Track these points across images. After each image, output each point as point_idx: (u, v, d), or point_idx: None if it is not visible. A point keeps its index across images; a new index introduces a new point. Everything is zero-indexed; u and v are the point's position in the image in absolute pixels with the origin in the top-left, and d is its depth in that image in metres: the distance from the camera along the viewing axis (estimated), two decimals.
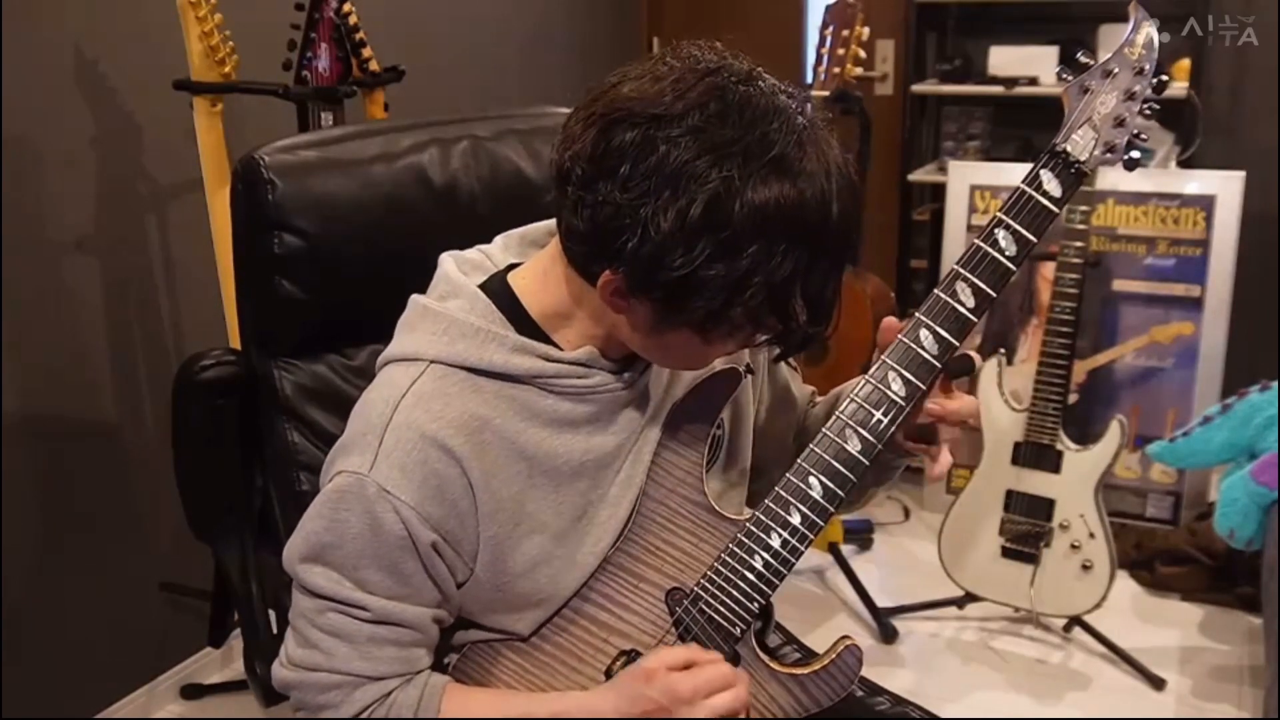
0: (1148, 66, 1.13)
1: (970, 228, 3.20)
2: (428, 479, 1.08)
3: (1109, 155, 1.14)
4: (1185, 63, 3.49)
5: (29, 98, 2.14)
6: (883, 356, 1.15)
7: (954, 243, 3.22)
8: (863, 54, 2.66)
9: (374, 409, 1.11)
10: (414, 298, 1.18)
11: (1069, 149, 1.13)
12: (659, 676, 1.12)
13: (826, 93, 2.63)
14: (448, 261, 1.19)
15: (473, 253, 1.21)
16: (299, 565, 1.12)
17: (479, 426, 1.11)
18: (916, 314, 1.15)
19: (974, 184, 3.22)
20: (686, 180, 0.98)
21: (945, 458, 1.21)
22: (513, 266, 1.19)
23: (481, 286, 1.16)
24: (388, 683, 1.14)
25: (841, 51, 2.64)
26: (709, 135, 0.98)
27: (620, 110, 1.01)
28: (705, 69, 1.02)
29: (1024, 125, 3.91)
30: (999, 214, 1.13)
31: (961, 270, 1.13)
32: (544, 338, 1.14)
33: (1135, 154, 1.14)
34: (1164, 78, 1.15)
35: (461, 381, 1.11)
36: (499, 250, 1.22)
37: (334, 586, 1.11)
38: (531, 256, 1.19)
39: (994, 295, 1.13)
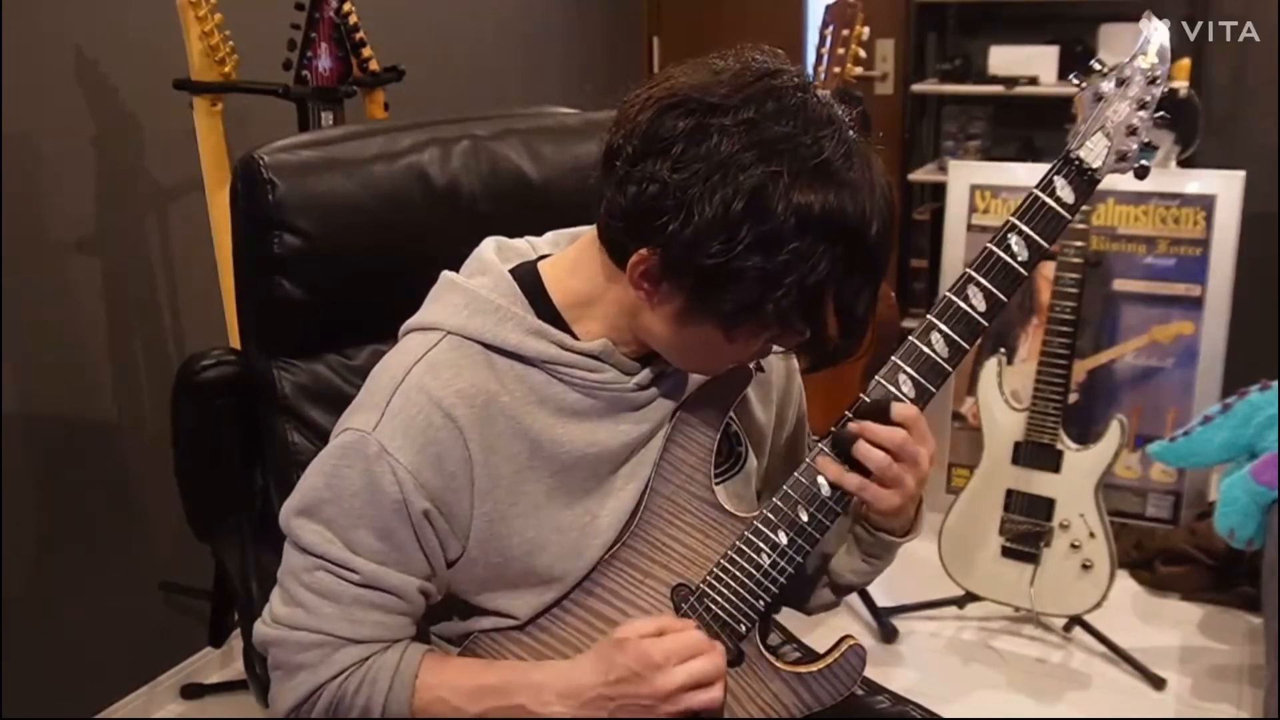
0: (1160, 75, 1.14)
1: (970, 227, 3.20)
2: (428, 445, 1.09)
3: (1121, 163, 1.14)
4: (1185, 62, 3.48)
5: (29, 98, 2.14)
6: (893, 357, 1.15)
7: (954, 242, 3.22)
8: (863, 54, 2.66)
9: (387, 372, 1.13)
10: (444, 272, 1.20)
11: (1083, 156, 1.13)
12: (630, 644, 1.11)
13: (826, 93, 2.63)
14: (488, 243, 1.21)
15: (520, 241, 1.23)
16: (294, 519, 1.13)
17: (486, 401, 1.12)
18: (928, 315, 1.15)
19: (974, 184, 3.21)
20: (734, 170, 0.99)
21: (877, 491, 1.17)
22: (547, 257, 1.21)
23: (512, 270, 1.17)
24: (369, 647, 1.14)
25: (841, 51, 2.64)
26: (761, 130, 1.00)
27: (677, 96, 1.03)
28: (764, 70, 1.04)
29: (1024, 125, 3.91)
30: (1012, 218, 1.13)
31: (973, 273, 1.14)
32: (564, 326, 1.15)
33: (1145, 162, 1.15)
34: (1171, 86, 1.15)
35: (475, 355, 1.13)
36: (545, 242, 1.24)
37: (325, 545, 1.11)
38: None
39: (1005, 299, 1.14)
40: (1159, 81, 1.14)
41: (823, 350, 1.10)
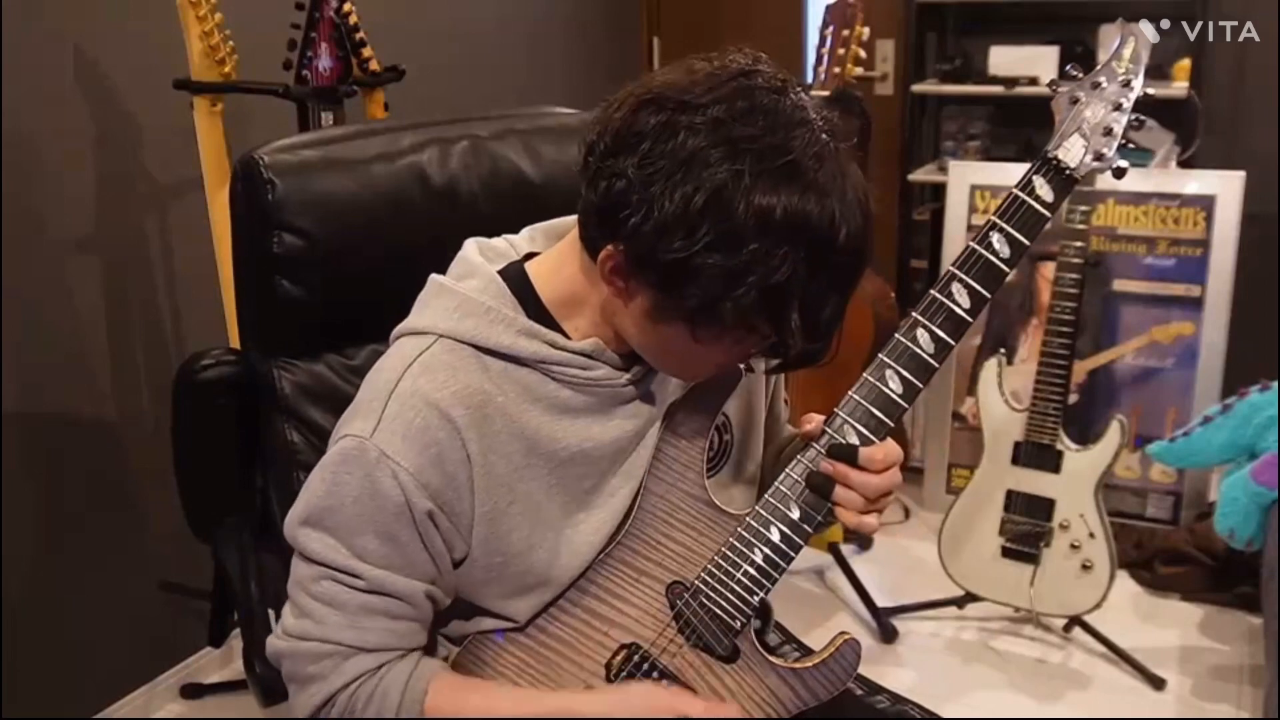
0: (1134, 80, 1.17)
1: (970, 228, 3.20)
2: (428, 446, 1.10)
3: (1098, 163, 1.17)
4: (1185, 63, 3.49)
5: (29, 98, 2.14)
6: (880, 355, 1.16)
7: (954, 242, 3.22)
8: (863, 54, 2.66)
9: (381, 377, 1.14)
10: (432, 276, 1.20)
11: (1060, 156, 1.16)
12: (660, 697, 1.15)
13: (826, 93, 2.64)
14: (470, 245, 1.22)
15: (499, 241, 1.24)
16: (299, 529, 1.14)
17: (481, 401, 1.12)
18: (913, 314, 1.16)
19: (974, 184, 3.22)
20: (698, 167, 1.00)
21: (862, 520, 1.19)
22: (533, 256, 1.21)
23: (500, 272, 1.17)
24: (379, 655, 1.15)
25: (841, 51, 2.64)
26: (728, 129, 1.00)
27: (652, 94, 1.04)
28: (740, 70, 1.04)
29: (1024, 125, 3.92)
30: (992, 217, 1.17)
31: (957, 271, 1.16)
32: (553, 325, 1.16)
33: (1123, 163, 1.17)
34: (1149, 91, 1.19)
35: (469, 357, 1.13)
36: (524, 240, 1.25)
37: (330, 553, 1.12)
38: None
39: (988, 296, 1.16)
40: (1133, 84, 1.17)
41: (788, 352, 1.09)
